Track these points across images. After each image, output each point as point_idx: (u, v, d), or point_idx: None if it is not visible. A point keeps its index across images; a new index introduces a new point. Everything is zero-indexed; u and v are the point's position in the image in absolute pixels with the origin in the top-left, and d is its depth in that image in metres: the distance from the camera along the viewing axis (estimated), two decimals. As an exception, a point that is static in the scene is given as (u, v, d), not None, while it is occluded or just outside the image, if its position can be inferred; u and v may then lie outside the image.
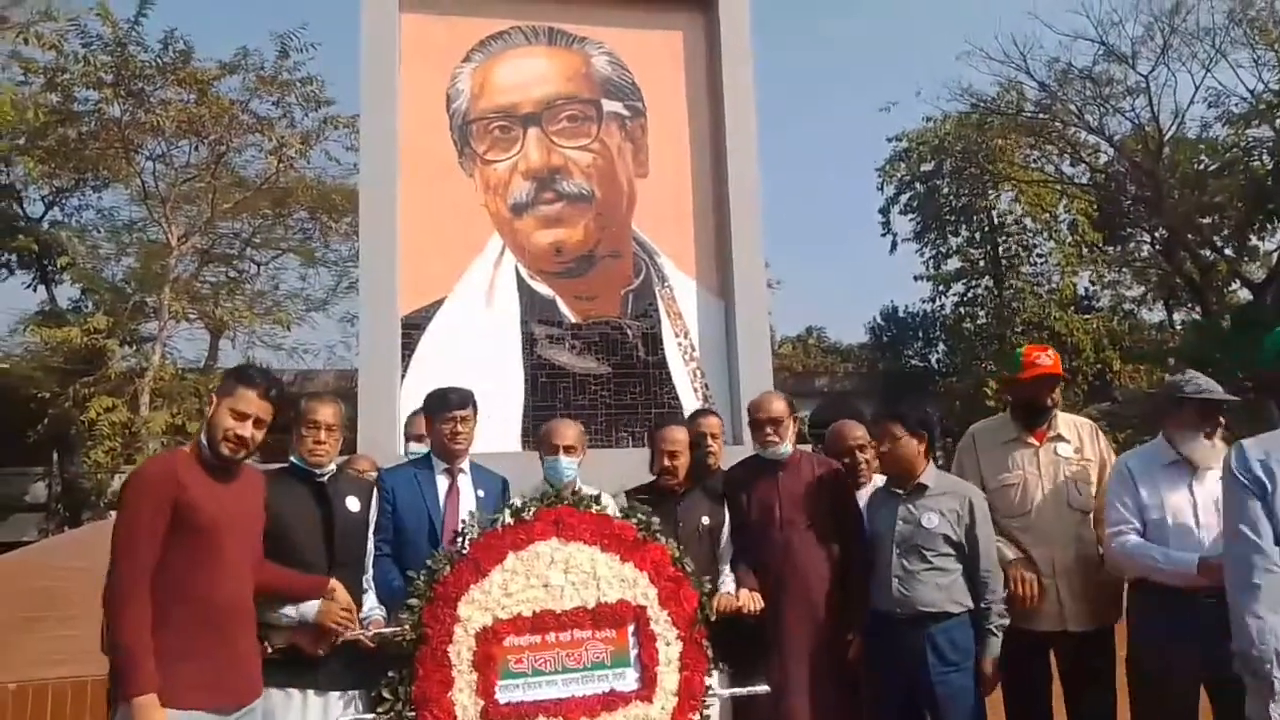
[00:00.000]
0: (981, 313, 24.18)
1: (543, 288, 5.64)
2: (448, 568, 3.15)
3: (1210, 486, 3.38)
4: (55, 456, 17.79)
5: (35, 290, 19.33)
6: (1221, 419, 3.49)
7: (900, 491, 3.61)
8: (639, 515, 3.40)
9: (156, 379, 14.82)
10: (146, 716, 2.57)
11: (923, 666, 3.42)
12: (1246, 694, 2.69)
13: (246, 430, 2.79)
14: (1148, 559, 3.37)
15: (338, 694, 3.20)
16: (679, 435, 3.79)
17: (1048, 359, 3.88)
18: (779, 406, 3.78)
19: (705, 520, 3.71)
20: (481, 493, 3.68)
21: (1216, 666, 3.16)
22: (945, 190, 24.39)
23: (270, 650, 3.08)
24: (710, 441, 3.94)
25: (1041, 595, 3.68)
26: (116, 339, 15.41)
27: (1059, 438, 3.91)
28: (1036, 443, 3.88)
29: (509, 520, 3.24)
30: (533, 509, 3.27)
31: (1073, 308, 22.95)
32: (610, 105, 5.92)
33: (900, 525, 3.55)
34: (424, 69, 5.71)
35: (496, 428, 4.69)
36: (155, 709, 2.58)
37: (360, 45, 5.55)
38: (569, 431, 3.70)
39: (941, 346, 25.89)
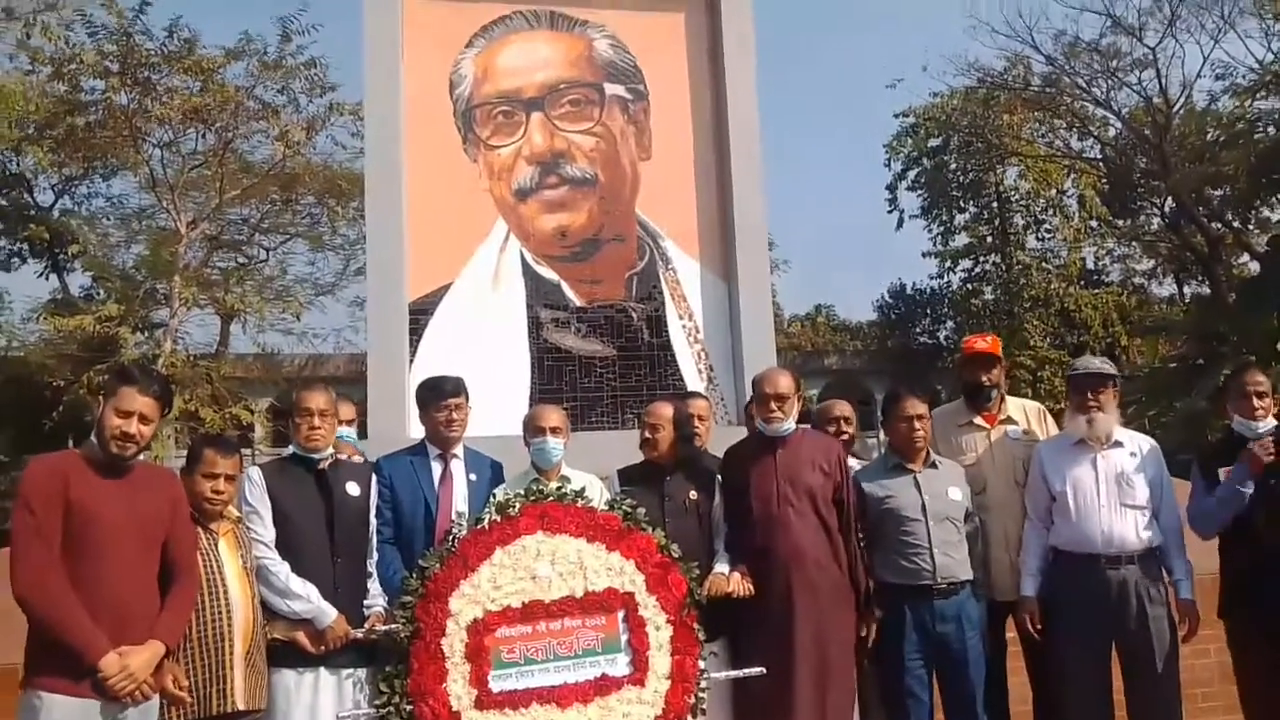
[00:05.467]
0: (989, 289, 24.12)
1: (548, 272, 5.69)
2: (438, 565, 3.27)
3: (1115, 461, 3.75)
4: (71, 444, 17.91)
5: (47, 279, 19.47)
6: (1099, 395, 3.78)
7: (913, 468, 3.79)
8: (624, 506, 3.49)
9: (169, 365, 14.91)
10: (117, 666, 2.64)
11: (957, 633, 3.64)
12: None
13: (132, 427, 2.85)
14: (1022, 561, 3.88)
15: (346, 671, 3.34)
16: (663, 411, 3.88)
17: (984, 343, 4.28)
18: (785, 383, 3.80)
19: (693, 495, 3.81)
20: (474, 477, 3.78)
21: (1122, 627, 3.60)
22: (953, 166, 24.28)
23: (272, 638, 3.22)
24: (697, 423, 4.05)
25: (997, 568, 3.96)
26: (128, 326, 15.49)
27: (1008, 420, 4.19)
28: (988, 425, 4.16)
29: (496, 517, 3.35)
30: (518, 505, 3.37)
31: (1081, 282, 22.88)
32: (613, 89, 5.94)
33: (928, 500, 3.72)
34: (427, 54, 5.73)
35: (503, 412, 4.74)
36: (129, 656, 2.67)
37: (363, 31, 5.57)
38: (553, 415, 3.81)
39: (950, 323, 25.83)
